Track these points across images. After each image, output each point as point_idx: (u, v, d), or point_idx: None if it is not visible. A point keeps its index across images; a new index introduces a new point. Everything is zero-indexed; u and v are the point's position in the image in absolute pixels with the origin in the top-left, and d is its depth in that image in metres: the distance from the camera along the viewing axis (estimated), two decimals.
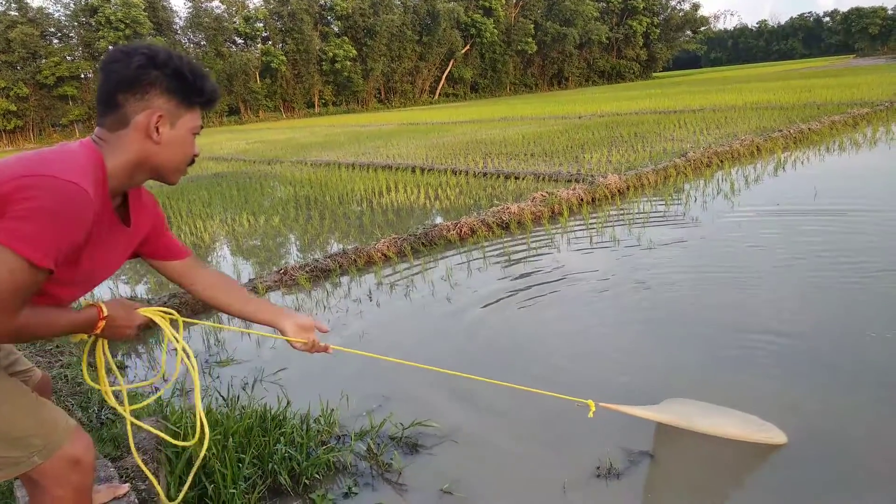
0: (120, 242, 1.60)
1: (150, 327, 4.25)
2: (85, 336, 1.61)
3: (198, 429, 1.80)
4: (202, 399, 1.98)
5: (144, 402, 2.06)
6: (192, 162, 1.63)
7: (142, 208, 1.68)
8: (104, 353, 1.71)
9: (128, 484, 2.10)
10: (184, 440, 2.50)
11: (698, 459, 2.60)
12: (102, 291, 5.69)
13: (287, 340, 1.93)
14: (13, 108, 50.04)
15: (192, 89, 1.53)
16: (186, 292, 1.88)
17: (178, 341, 1.76)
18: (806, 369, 3.18)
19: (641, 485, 2.46)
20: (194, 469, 1.99)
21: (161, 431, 2.58)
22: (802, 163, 9.05)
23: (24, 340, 1.44)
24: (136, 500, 2.02)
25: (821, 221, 5.88)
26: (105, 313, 1.54)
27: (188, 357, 1.78)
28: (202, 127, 1.63)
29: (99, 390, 1.80)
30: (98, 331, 1.55)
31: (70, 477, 1.47)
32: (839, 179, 7.89)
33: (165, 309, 1.80)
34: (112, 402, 1.74)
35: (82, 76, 54.14)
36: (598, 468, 2.54)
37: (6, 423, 1.43)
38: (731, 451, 2.56)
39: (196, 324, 2.09)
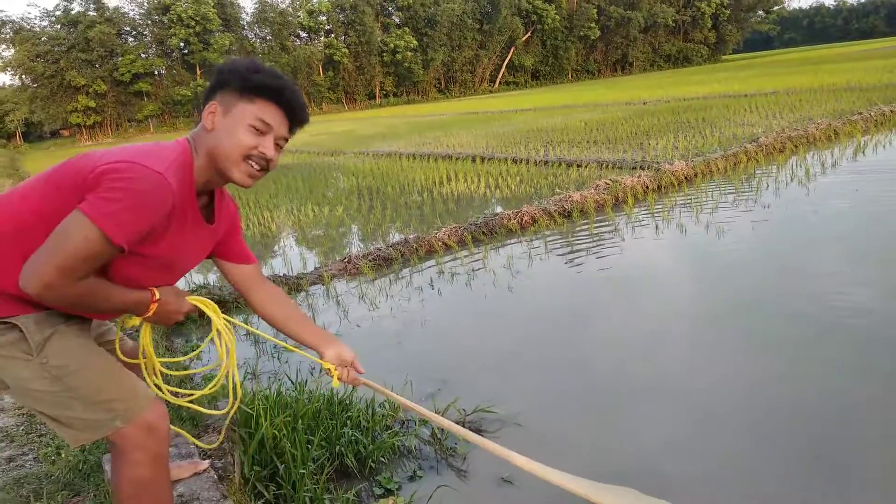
0: (202, 238, 1.71)
1: (194, 319, 4.43)
2: (137, 321, 1.71)
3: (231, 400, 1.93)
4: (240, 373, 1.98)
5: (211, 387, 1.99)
6: (260, 163, 1.60)
7: (224, 208, 1.80)
8: (148, 337, 1.81)
9: (208, 461, 2.21)
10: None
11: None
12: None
13: (322, 366, 1.93)
14: (93, 104, 52.58)
15: (247, 81, 1.57)
16: (243, 298, 1.93)
17: (223, 328, 1.84)
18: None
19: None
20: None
21: (237, 414, 2.69)
22: (885, 147, 8.58)
23: (80, 310, 1.53)
24: (216, 477, 2.13)
25: None
26: (157, 297, 1.63)
27: (228, 340, 1.86)
28: (268, 125, 1.58)
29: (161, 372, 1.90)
30: (150, 313, 1.64)
31: (148, 442, 1.57)
32: None
33: (207, 300, 1.84)
34: (154, 381, 1.84)
35: (155, 73, 56.45)
36: None
37: (92, 387, 1.55)
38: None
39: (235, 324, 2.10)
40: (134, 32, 56.45)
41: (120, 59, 53.15)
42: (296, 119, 1.66)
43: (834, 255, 4.68)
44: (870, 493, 2.23)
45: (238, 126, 1.57)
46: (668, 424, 2.75)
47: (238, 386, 1.94)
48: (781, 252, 4.90)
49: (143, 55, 55.11)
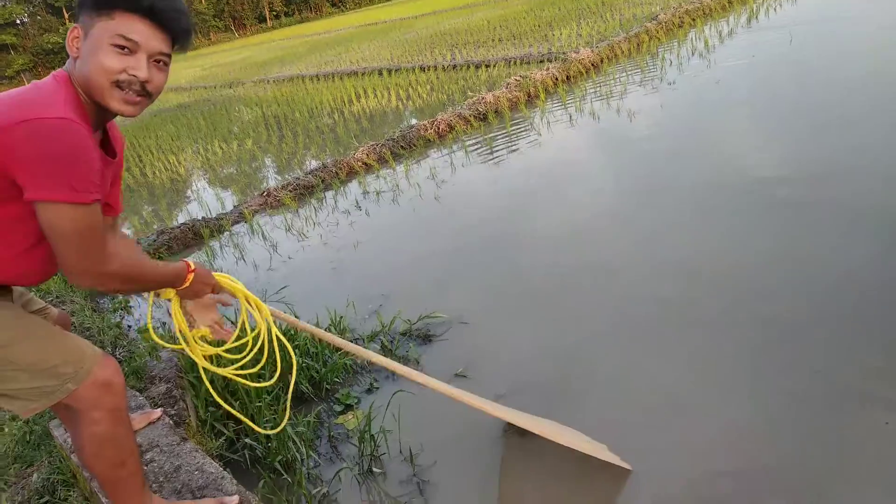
0: (108, 176, 1.59)
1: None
2: (172, 293, 1.74)
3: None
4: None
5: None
6: (134, 87, 1.42)
7: (118, 140, 1.67)
8: (183, 312, 1.85)
9: (160, 409, 2.18)
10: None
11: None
12: None
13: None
14: None
15: None
16: None
17: (251, 302, 1.95)
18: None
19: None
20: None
21: (181, 361, 2.66)
22: (775, 10, 8.84)
23: (130, 288, 1.59)
24: (171, 423, 2.11)
25: (797, 68, 5.83)
26: (192, 267, 1.70)
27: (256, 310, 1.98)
28: (133, 41, 1.39)
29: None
30: (187, 283, 1.69)
31: (104, 399, 1.53)
32: (814, 24, 7.73)
33: (230, 277, 1.91)
34: (198, 356, 1.90)
35: (18, 22, 51.16)
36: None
37: (36, 355, 1.48)
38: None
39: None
40: None
41: None
42: (172, 28, 1.45)
43: (739, 120, 4.88)
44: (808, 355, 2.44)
45: (99, 48, 1.38)
46: (602, 314, 2.88)
47: (289, 350, 2.09)
48: (692, 125, 5.07)
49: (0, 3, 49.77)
